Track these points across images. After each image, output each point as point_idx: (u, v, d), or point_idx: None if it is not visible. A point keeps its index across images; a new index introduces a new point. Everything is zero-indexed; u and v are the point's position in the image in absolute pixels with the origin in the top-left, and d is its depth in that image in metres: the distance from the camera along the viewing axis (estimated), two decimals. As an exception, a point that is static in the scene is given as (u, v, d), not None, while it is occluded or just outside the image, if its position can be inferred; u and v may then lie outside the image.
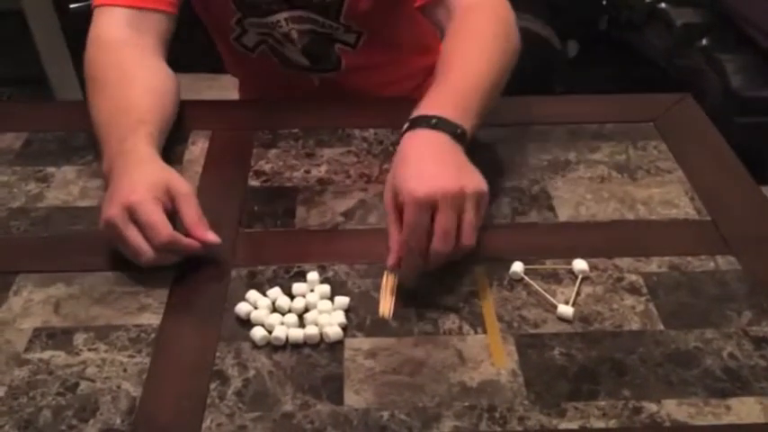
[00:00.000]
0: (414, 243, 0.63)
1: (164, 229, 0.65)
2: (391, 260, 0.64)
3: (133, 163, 0.70)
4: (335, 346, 0.62)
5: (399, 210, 0.64)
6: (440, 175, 0.63)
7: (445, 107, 0.68)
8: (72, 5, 1.70)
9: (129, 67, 0.81)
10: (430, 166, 0.64)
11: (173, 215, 0.67)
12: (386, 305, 0.63)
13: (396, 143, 0.68)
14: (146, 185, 0.67)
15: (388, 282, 0.65)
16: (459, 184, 0.63)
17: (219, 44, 1.04)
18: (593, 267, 0.69)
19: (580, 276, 0.68)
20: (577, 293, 0.67)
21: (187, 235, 0.67)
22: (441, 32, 0.84)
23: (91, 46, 0.83)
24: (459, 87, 0.71)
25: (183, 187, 0.68)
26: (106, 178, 0.72)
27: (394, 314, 0.64)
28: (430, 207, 0.62)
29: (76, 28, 0.93)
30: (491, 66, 0.74)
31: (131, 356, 0.61)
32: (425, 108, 0.69)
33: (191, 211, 0.67)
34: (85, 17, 0.86)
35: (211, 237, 0.67)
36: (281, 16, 0.91)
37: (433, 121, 0.67)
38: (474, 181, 0.65)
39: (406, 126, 0.69)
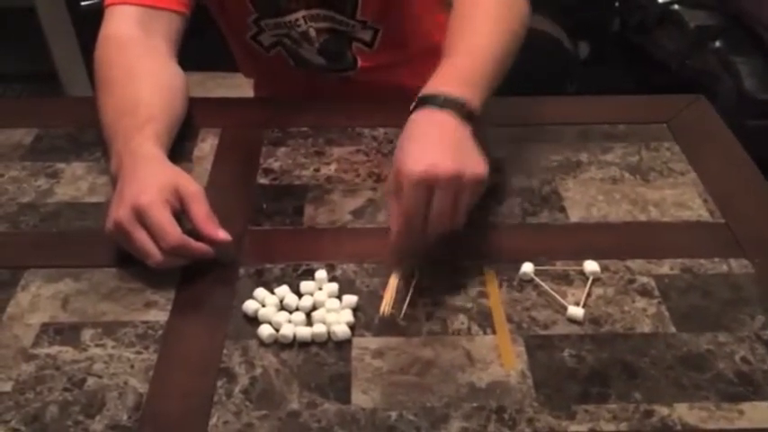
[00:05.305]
0: (410, 225, 0.62)
1: (173, 232, 0.64)
2: (393, 237, 0.64)
3: (140, 163, 0.70)
4: (343, 345, 0.62)
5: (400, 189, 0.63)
6: (439, 156, 0.62)
7: (453, 85, 0.68)
8: (83, 2, 1.71)
9: (138, 65, 0.81)
10: (430, 146, 0.63)
11: (180, 216, 0.67)
12: (386, 303, 0.63)
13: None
14: (155, 187, 0.66)
15: (391, 281, 0.64)
16: (457, 166, 0.62)
17: (234, 44, 1.04)
18: (604, 269, 0.68)
19: (591, 278, 0.67)
20: (588, 295, 0.66)
21: (194, 236, 0.66)
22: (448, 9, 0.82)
23: (100, 45, 0.83)
24: (467, 63, 0.71)
25: (192, 187, 0.68)
26: (114, 178, 0.72)
27: (403, 313, 0.63)
28: (426, 188, 0.61)
29: (88, 25, 0.93)
30: (497, 38, 0.74)
31: (138, 353, 0.61)
32: (434, 86, 0.68)
33: (201, 210, 0.67)
34: (97, 14, 0.86)
35: (222, 234, 0.67)
36: (300, 14, 0.91)
37: (441, 99, 0.66)
38: (473, 164, 0.64)
39: (413, 105, 0.68)
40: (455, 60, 0.71)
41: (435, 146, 0.63)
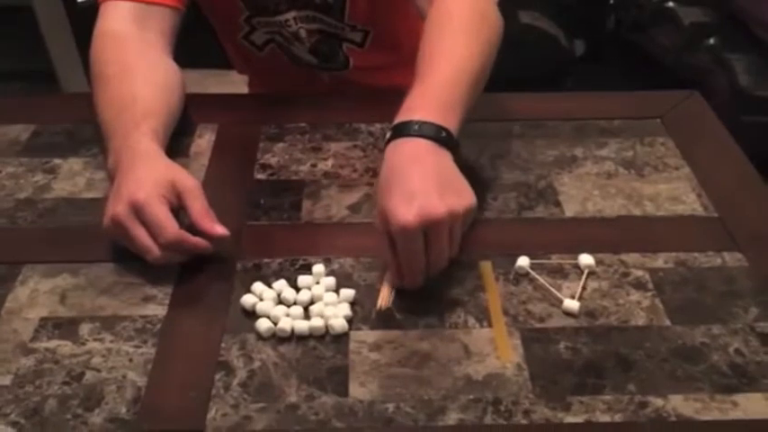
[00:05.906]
0: (410, 269, 0.62)
1: (170, 227, 0.65)
2: (393, 278, 0.64)
3: (138, 159, 0.70)
4: (341, 339, 0.62)
5: (391, 234, 0.62)
6: (426, 198, 0.60)
7: (427, 108, 0.66)
8: (79, 0, 1.71)
9: (134, 62, 0.80)
10: (415, 185, 0.61)
11: (178, 212, 0.67)
12: (383, 297, 0.64)
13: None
14: (151, 183, 0.66)
15: (388, 275, 0.65)
16: (447, 205, 0.61)
17: (227, 43, 1.04)
18: (599, 262, 0.69)
19: (586, 271, 0.68)
20: (583, 288, 0.66)
21: (193, 232, 0.67)
22: (423, 19, 0.81)
23: (96, 41, 0.83)
24: (440, 85, 0.69)
25: (189, 182, 0.68)
26: (111, 174, 0.72)
27: (399, 307, 0.64)
28: (420, 233, 0.60)
29: (84, 23, 0.93)
30: (471, 58, 0.72)
31: (137, 347, 0.61)
32: (407, 112, 0.67)
33: (197, 205, 0.67)
34: (93, 12, 0.86)
35: (219, 229, 0.67)
36: (290, 15, 0.91)
37: (416, 126, 0.65)
38: (461, 196, 0.63)
39: (388, 135, 0.67)
40: (430, 80, 0.69)
41: (419, 184, 0.61)
